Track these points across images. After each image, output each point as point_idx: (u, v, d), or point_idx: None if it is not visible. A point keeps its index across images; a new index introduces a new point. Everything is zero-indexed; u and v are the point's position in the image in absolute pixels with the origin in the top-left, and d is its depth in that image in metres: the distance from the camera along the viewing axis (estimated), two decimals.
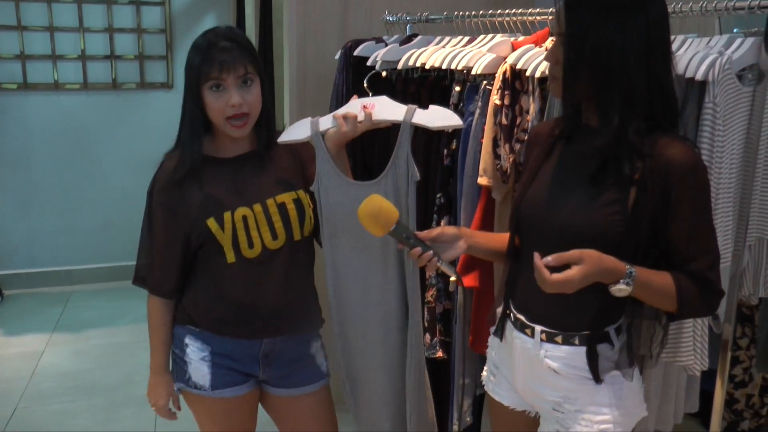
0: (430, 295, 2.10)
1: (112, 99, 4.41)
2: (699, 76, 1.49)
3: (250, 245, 1.61)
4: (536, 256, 1.21)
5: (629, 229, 1.24)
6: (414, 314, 1.70)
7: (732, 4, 1.55)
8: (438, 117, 1.60)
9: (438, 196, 2.04)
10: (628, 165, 1.23)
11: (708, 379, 1.77)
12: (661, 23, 1.24)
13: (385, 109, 1.62)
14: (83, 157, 4.40)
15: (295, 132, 1.67)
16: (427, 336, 2.12)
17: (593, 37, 1.21)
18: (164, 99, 4.41)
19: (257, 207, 1.62)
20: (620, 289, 1.21)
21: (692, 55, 1.53)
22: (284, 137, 1.67)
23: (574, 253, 1.19)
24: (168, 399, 1.74)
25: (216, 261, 1.63)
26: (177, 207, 1.62)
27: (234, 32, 1.63)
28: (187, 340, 1.68)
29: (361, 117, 1.60)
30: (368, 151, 2.26)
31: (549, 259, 1.20)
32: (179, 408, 1.79)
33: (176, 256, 1.65)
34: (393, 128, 1.66)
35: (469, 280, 1.92)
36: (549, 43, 1.82)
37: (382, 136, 2.02)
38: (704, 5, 1.61)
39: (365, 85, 1.80)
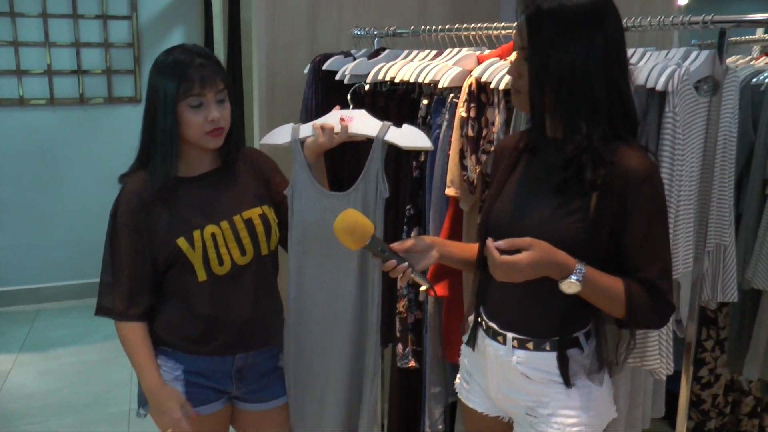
0: (402, 305, 2.11)
1: (80, 114, 4.37)
2: (659, 87, 1.53)
3: (221, 262, 1.62)
4: (489, 240, 1.25)
5: (592, 236, 1.27)
6: (372, 324, 1.70)
7: (687, 19, 1.61)
8: (410, 137, 1.64)
9: (408, 207, 2.07)
10: (591, 172, 1.26)
11: (674, 380, 1.81)
12: (618, 37, 1.28)
13: (362, 123, 1.66)
14: (50, 174, 4.35)
15: (277, 136, 1.73)
16: (400, 346, 2.14)
17: (556, 52, 1.24)
18: (132, 114, 4.37)
19: (224, 224, 1.63)
20: (569, 284, 1.23)
21: (652, 66, 1.58)
22: (267, 140, 1.73)
23: (526, 239, 1.22)
24: (179, 408, 1.63)
25: (186, 280, 1.62)
26: (144, 228, 1.60)
27: (203, 48, 1.65)
28: (159, 362, 1.67)
29: (338, 129, 1.64)
30: (339, 162, 2.28)
31: (501, 243, 1.23)
32: (194, 412, 1.67)
33: (144, 278, 1.62)
34: (364, 141, 1.69)
35: (439, 290, 1.94)
36: (513, 56, 1.86)
37: (352, 148, 2.04)
38: (662, 20, 1.66)
39: (349, 98, 1.89)
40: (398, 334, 2.13)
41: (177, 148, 1.59)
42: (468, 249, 1.55)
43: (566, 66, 1.24)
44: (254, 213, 1.67)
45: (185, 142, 1.61)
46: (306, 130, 1.68)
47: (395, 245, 1.44)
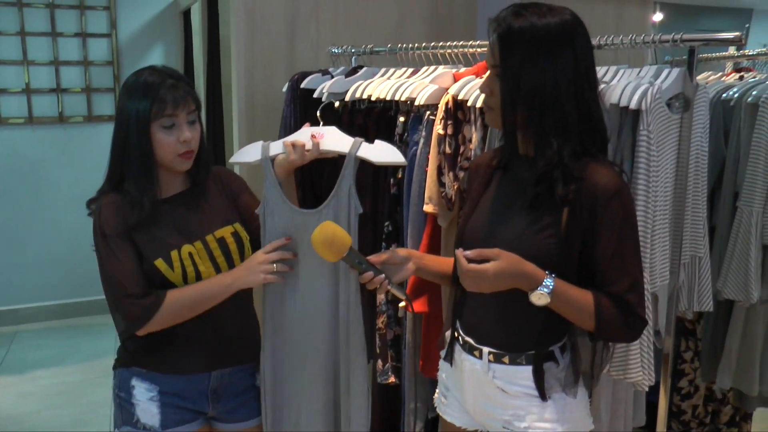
0: (381, 321, 2.12)
1: (59, 133, 4.34)
2: (633, 105, 1.56)
3: (198, 280, 1.62)
4: (458, 250, 1.27)
5: (563, 251, 1.29)
6: (356, 344, 1.69)
7: (658, 37, 1.64)
8: (382, 153, 1.64)
9: (386, 224, 2.08)
10: (561, 188, 1.28)
11: (654, 391, 1.83)
12: (587, 56, 1.30)
13: (333, 139, 1.66)
14: (29, 193, 4.31)
15: (247, 154, 1.71)
16: (380, 362, 2.14)
17: (527, 71, 1.26)
18: (112, 132, 4.35)
19: (198, 244, 1.63)
20: (538, 296, 1.25)
21: (625, 85, 1.61)
22: (236, 158, 1.72)
23: (494, 250, 1.25)
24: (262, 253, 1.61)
25: None
26: (132, 245, 1.58)
27: (173, 69, 1.65)
28: (133, 382, 1.66)
29: (309, 146, 1.64)
30: (317, 178, 2.29)
31: (469, 252, 1.25)
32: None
33: (142, 271, 1.59)
34: (343, 157, 1.69)
35: (418, 305, 1.95)
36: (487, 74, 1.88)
37: (332, 163, 2.05)
38: (633, 38, 1.69)
39: (318, 114, 1.85)
40: (378, 350, 2.14)
41: (154, 169, 1.59)
42: (444, 262, 1.56)
43: (537, 84, 1.26)
44: (226, 231, 1.67)
45: (156, 164, 1.61)
46: (276, 147, 1.68)
47: (372, 257, 1.45)
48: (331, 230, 1.43)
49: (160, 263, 1.58)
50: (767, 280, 2.06)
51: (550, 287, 1.25)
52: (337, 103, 1.96)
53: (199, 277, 1.62)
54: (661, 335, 1.76)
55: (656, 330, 1.74)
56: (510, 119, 1.31)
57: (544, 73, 1.26)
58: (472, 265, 1.24)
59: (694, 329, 2.38)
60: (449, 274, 1.53)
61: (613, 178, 1.28)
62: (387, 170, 2.08)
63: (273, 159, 1.67)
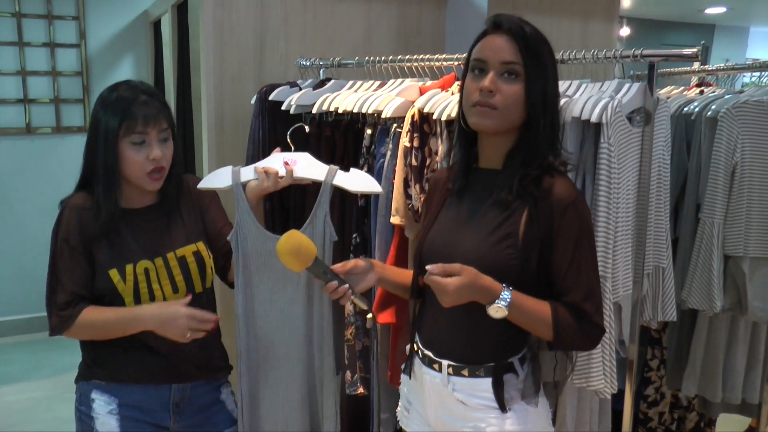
0: (349, 333, 2.12)
1: (26, 144, 4.28)
2: (594, 119, 1.59)
3: (152, 298, 1.61)
4: (428, 266, 1.27)
5: (521, 262, 1.31)
6: (327, 367, 1.71)
7: (619, 53, 1.68)
8: (358, 181, 1.65)
9: (354, 236, 2.08)
10: (522, 197, 1.31)
11: (619, 399, 1.85)
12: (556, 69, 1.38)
13: (307, 167, 1.66)
14: None
15: (216, 180, 1.67)
16: (348, 373, 2.14)
17: (550, 78, 1.33)
18: (81, 143, 4.18)
19: (158, 261, 1.62)
20: (496, 309, 1.27)
21: (586, 99, 1.63)
22: (204, 184, 1.68)
23: (455, 265, 1.26)
24: (182, 305, 1.56)
25: None
26: (83, 249, 1.58)
27: (149, 86, 1.64)
28: (93, 395, 1.64)
29: (282, 173, 1.63)
30: (295, 199, 2.29)
31: (432, 267, 1.26)
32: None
33: (86, 289, 1.59)
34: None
35: (386, 317, 1.96)
36: (455, 87, 1.90)
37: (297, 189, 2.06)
38: (595, 53, 1.72)
39: (288, 139, 1.80)
40: (346, 362, 2.13)
41: (118, 183, 1.58)
42: (406, 274, 1.57)
43: (550, 91, 1.33)
44: (188, 251, 1.66)
45: (125, 178, 1.60)
46: (248, 173, 1.66)
47: (336, 267, 1.46)
48: (297, 240, 1.43)
49: (113, 273, 1.57)
50: (729, 290, 2.10)
51: (508, 300, 1.27)
52: (308, 129, 1.93)
53: (151, 294, 1.61)
54: (625, 344, 1.78)
55: (621, 339, 1.77)
56: (534, 119, 1.32)
57: (553, 81, 1.34)
58: (435, 278, 1.25)
59: (659, 338, 2.42)
60: (408, 286, 1.54)
61: (569, 190, 1.31)
62: None
63: (244, 185, 1.65)
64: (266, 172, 1.63)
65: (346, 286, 1.44)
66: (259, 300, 1.69)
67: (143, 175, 1.57)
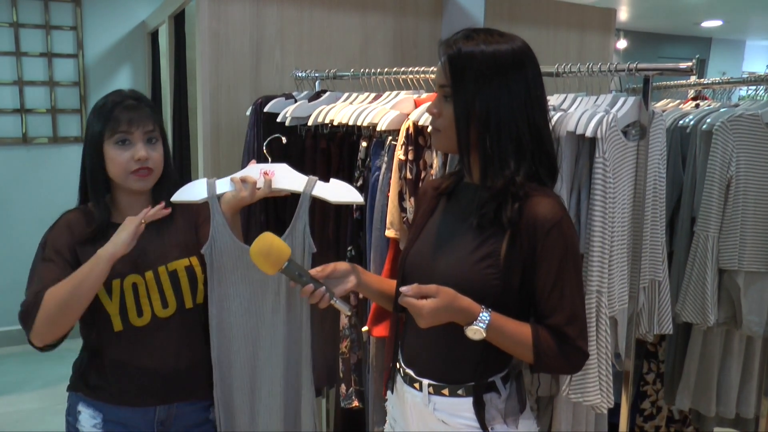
0: (344, 346, 2.11)
1: (22, 154, 4.27)
2: (589, 133, 1.58)
3: (139, 313, 1.59)
4: (403, 288, 1.25)
5: (502, 282, 1.28)
6: (306, 384, 1.70)
7: (615, 66, 1.68)
8: (338, 191, 1.62)
9: (349, 248, 2.07)
10: (510, 209, 1.27)
11: (616, 413, 1.84)
12: (537, 80, 1.32)
13: (286, 177, 1.63)
14: None
15: (190, 192, 1.63)
16: (343, 386, 2.12)
17: (480, 93, 1.27)
18: (78, 153, 4.19)
19: (149, 274, 1.60)
20: (474, 331, 1.24)
21: (581, 113, 1.63)
22: (178, 197, 1.63)
23: (431, 287, 1.23)
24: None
25: (102, 327, 1.59)
26: (68, 262, 1.56)
27: (139, 93, 1.65)
28: (79, 407, 1.63)
29: (260, 183, 1.60)
30: (281, 206, 2.28)
31: (407, 288, 1.23)
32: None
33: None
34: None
35: (380, 330, 1.95)
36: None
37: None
38: (591, 66, 1.72)
39: (265, 150, 1.74)
40: (341, 375, 2.12)
41: (106, 187, 1.59)
42: (387, 283, 1.56)
43: (492, 105, 1.27)
44: (180, 265, 1.64)
45: (116, 187, 1.60)
46: (223, 185, 1.63)
47: (315, 271, 1.43)
48: (269, 241, 1.42)
49: (99, 290, 1.55)
50: (724, 304, 2.09)
51: (486, 322, 1.24)
52: (284, 139, 1.87)
53: (139, 309, 1.58)
54: (621, 358, 1.77)
55: (617, 353, 1.76)
56: (464, 140, 1.30)
57: (497, 96, 1.27)
58: (409, 300, 1.23)
59: (656, 351, 2.41)
60: (387, 294, 1.52)
61: (554, 209, 1.27)
62: None
63: (219, 197, 1.62)
64: (244, 182, 1.60)
65: (323, 289, 1.41)
66: (233, 313, 1.66)
67: (127, 174, 1.56)
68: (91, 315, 1.58)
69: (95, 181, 1.58)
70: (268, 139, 1.76)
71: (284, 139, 1.75)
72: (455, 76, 1.29)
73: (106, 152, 1.56)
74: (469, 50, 1.27)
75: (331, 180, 1.64)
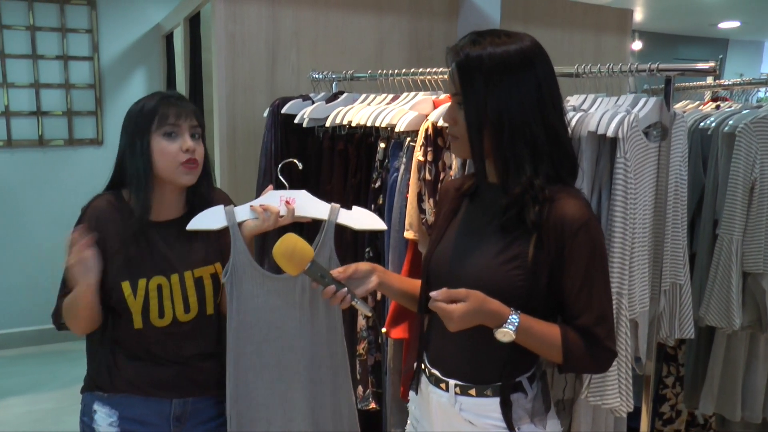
0: (362, 347, 2.10)
1: (39, 156, 4.30)
2: (610, 133, 1.57)
3: (161, 315, 1.59)
4: (432, 293, 1.24)
5: (530, 284, 1.27)
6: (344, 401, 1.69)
7: (635, 66, 1.66)
8: (362, 219, 1.63)
9: (367, 250, 2.07)
10: (533, 211, 1.26)
11: (635, 416, 1.82)
12: (550, 81, 1.30)
13: (308, 205, 1.63)
14: (6, 217, 4.25)
15: (209, 220, 1.61)
16: (360, 388, 2.12)
17: (490, 97, 1.26)
18: (94, 156, 4.33)
19: (174, 278, 1.60)
20: (504, 333, 1.23)
21: (602, 113, 1.62)
22: (195, 225, 1.60)
23: (461, 291, 1.22)
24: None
25: (123, 323, 1.59)
26: (98, 248, 1.55)
27: (179, 93, 1.67)
28: (95, 407, 1.62)
29: (283, 212, 1.61)
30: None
31: (436, 293, 1.23)
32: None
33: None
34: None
35: (398, 332, 1.94)
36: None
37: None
38: (611, 67, 1.71)
39: (279, 175, 1.71)
40: (358, 377, 2.11)
41: (150, 184, 1.57)
42: (408, 282, 1.55)
43: (503, 108, 1.25)
44: (206, 272, 1.64)
45: (157, 181, 1.59)
46: (243, 213, 1.62)
47: (336, 272, 1.43)
48: (292, 242, 1.42)
49: (125, 286, 1.56)
50: (749, 307, 2.07)
51: (516, 324, 1.23)
52: (300, 165, 1.80)
53: (161, 312, 1.59)
54: (641, 361, 1.76)
55: (637, 356, 1.74)
56: (478, 146, 1.29)
57: (508, 98, 1.25)
58: (440, 305, 1.22)
59: (675, 355, 2.38)
60: (410, 294, 1.52)
61: (581, 210, 1.26)
62: (368, 197, 2.07)
63: (240, 224, 1.62)
64: (266, 210, 1.60)
65: (345, 290, 1.42)
66: (252, 341, 1.64)
67: (177, 166, 1.56)
68: (113, 309, 1.58)
69: (141, 176, 1.56)
70: (281, 163, 1.74)
71: (300, 165, 1.73)
72: (464, 82, 1.28)
73: (153, 145, 1.56)
74: (476, 54, 1.26)
75: (354, 208, 1.64)
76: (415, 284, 1.52)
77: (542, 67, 1.29)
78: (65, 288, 1.58)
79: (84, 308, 1.54)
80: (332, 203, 1.64)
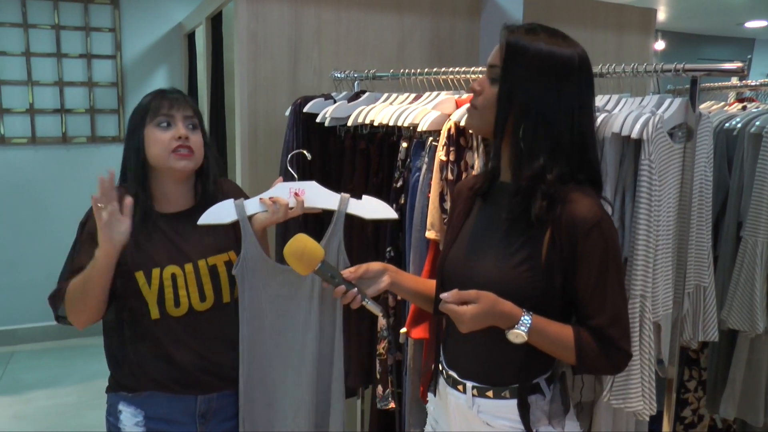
0: (382, 347, 2.10)
1: (62, 153, 4.36)
2: (634, 135, 1.55)
3: (177, 304, 1.60)
4: (443, 294, 1.24)
5: (543, 285, 1.26)
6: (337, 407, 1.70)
7: (660, 66, 1.64)
8: (372, 208, 1.63)
9: (388, 249, 2.07)
10: (538, 206, 1.25)
11: (656, 420, 1.80)
12: (589, 90, 1.31)
13: (318, 196, 1.64)
14: (30, 213, 4.31)
15: (219, 214, 1.63)
16: (380, 387, 2.12)
17: (527, 86, 1.26)
18: (116, 153, 4.29)
19: (188, 267, 1.62)
20: (516, 334, 1.23)
21: (627, 114, 1.60)
22: (206, 219, 1.62)
23: (471, 292, 1.22)
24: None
25: (140, 315, 1.61)
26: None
27: (179, 89, 1.69)
28: (120, 407, 1.64)
29: (292, 203, 1.62)
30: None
31: (447, 295, 1.23)
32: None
33: None
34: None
35: (419, 332, 1.93)
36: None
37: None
38: (635, 67, 1.69)
39: (288, 167, 1.73)
40: (378, 376, 2.11)
41: (144, 173, 1.60)
42: (422, 283, 1.55)
43: (535, 99, 1.26)
44: (220, 260, 1.66)
45: (158, 175, 1.62)
46: (253, 206, 1.64)
47: (347, 272, 1.44)
48: (303, 242, 1.43)
49: (139, 276, 1.58)
50: None
51: (528, 325, 1.23)
52: (309, 156, 1.82)
53: (176, 301, 1.60)
54: (664, 364, 1.74)
55: (659, 359, 1.72)
56: (501, 123, 1.29)
57: (544, 93, 1.26)
58: (450, 306, 1.22)
59: (697, 358, 2.36)
60: (423, 294, 1.52)
61: (593, 209, 1.25)
62: (389, 196, 2.07)
63: (250, 218, 1.64)
64: (275, 203, 1.61)
65: (355, 290, 1.43)
66: (267, 331, 1.66)
67: (168, 153, 1.58)
68: (130, 301, 1.60)
69: (135, 167, 1.60)
70: (291, 153, 1.76)
71: (309, 155, 1.74)
72: (508, 61, 1.28)
73: (147, 136, 1.59)
74: (527, 43, 1.26)
75: (364, 197, 1.64)
76: (429, 285, 1.52)
77: (585, 78, 1.30)
78: (72, 267, 1.58)
79: (95, 287, 1.49)
80: (342, 193, 1.64)
